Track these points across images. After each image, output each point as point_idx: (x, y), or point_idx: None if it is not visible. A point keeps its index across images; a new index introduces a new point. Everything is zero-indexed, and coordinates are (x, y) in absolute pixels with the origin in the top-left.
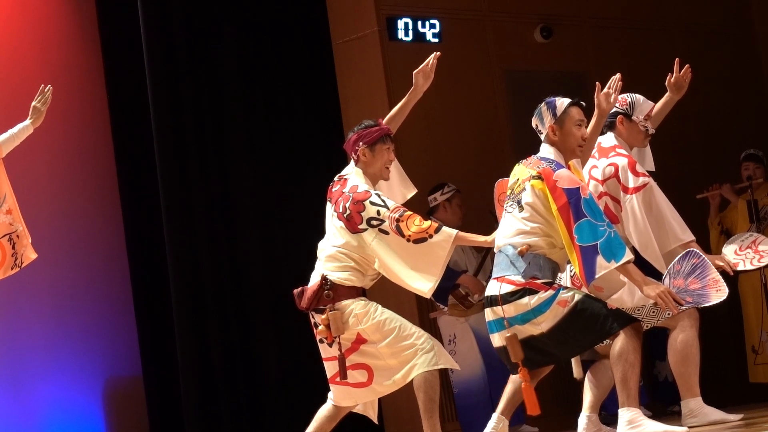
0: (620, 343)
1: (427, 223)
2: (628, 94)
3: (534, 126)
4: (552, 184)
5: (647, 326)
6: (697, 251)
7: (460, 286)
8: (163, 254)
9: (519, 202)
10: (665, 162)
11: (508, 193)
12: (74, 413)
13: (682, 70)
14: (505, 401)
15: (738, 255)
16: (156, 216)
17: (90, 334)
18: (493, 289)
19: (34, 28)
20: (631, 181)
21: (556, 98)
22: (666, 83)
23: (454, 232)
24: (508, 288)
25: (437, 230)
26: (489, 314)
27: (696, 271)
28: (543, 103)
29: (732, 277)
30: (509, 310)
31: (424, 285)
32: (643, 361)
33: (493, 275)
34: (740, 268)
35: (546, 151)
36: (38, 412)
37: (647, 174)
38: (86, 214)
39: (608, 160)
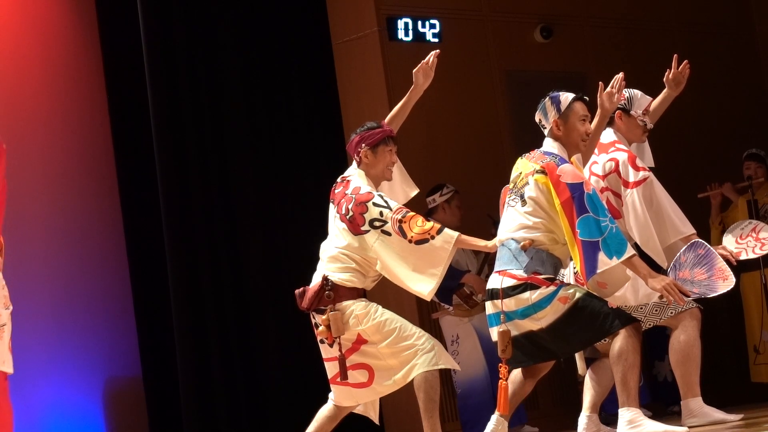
0: (619, 342)
1: (429, 224)
2: (626, 89)
3: (537, 120)
4: (555, 178)
5: (649, 325)
6: (703, 242)
7: (464, 286)
8: (163, 254)
9: (522, 196)
10: (665, 161)
11: (510, 186)
12: (74, 413)
13: (681, 66)
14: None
15: (739, 244)
16: (155, 216)
17: (90, 334)
18: (494, 282)
19: (34, 28)
20: (632, 176)
21: (560, 93)
22: (664, 79)
23: (455, 234)
24: (509, 282)
25: (439, 232)
26: (489, 307)
27: (702, 261)
28: (547, 98)
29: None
30: (510, 304)
31: (424, 287)
32: (643, 360)
33: (495, 268)
34: (743, 257)
35: (549, 145)
36: (38, 412)
37: (647, 168)
38: (86, 214)
39: (608, 156)
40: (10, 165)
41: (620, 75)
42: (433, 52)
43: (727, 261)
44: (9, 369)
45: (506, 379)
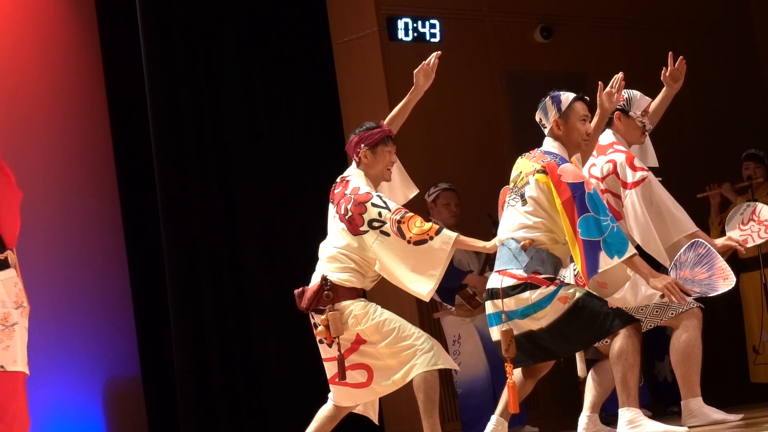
0: (619, 343)
1: (428, 224)
2: (625, 90)
3: (538, 120)
4: (557, 178)
5: (651, 325)
6: (703, 241)
7: (467, 286)
8: (163, 254)
9: (522, 196)
10: (665, 161)
11: (510, 186)
12: (74, 413)
13: (677, 63)
14: (504, 403)
15: (743, 231)
16: (155, 217)
17: (89, 334)
18: (494, 282)
19: (34, 28)
20: (630, 176)
21: (561, 93)
22: (662, 77)
23: (454, 235)
24: (509, 282)
25: (438, 232)
26: (489, 307)
27: (702, 261)
28: (547, 97)
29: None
30: (510, 303)
31: (423, 288)
32: (643, 361)
33: (495, 268)
34: (750, 244)
35: (549, 144)
36: (38, 412)
37: (646, 168)
38: (85, 215)
39: (606, 157)
40: (11, 165)
41: (620, 75)
42: (434, 54)
43: (733, 254)
44: (24, 369)
45: (512, 378)
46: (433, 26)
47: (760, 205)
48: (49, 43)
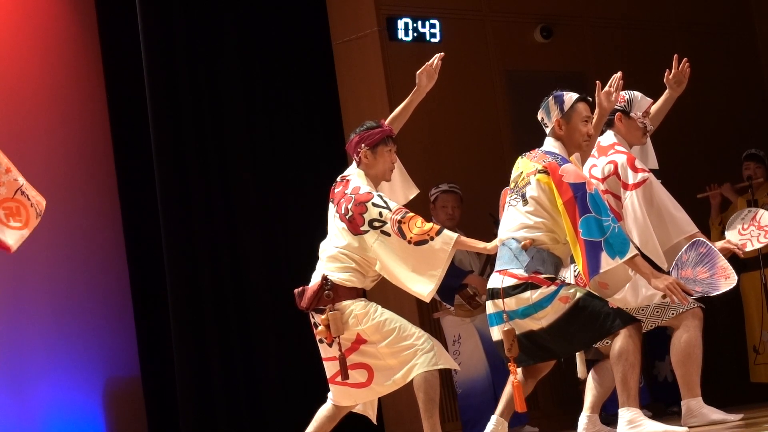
0: (620, 342)
1: (429, 225)
2: (626, 91)
3: (540, 119)
4: (558, 178)
5: (651, 326)
6: (704, 240)
7: (467, 286)
8: (163, 254)
9: (523, 196)
10: (665, 161)
11: (511, 186)
12: (74, 413)
13: (681, 65)
14: (504, 403)
15: (743, 235)
16: (155, 216)
17: (89, 334)
18: (495, 281)
19: (34, 27)
20: (631, 178)
21: (564, 93)
22: (665, 80)
23: (455, 235)
24: (510, 281)
25: (438, 233)
26: (490, 307)
27: (704, 260)
28: (551, 97)
29: None
30: (510, 303)
31: (423, 288)
32: (644, 361)
33: (496, 268)
34: (749, 248)
35: (550, 144)
36: (38, 412)
37: (647, 170)
38: (85, 215)
39: (607, 158)
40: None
41: (618, 74)
42: (437, 55)
43: (733, 255)
44: None
45: (516, 377)
46: (433, 26)
47: (761, 211)
48: (49, 43)
